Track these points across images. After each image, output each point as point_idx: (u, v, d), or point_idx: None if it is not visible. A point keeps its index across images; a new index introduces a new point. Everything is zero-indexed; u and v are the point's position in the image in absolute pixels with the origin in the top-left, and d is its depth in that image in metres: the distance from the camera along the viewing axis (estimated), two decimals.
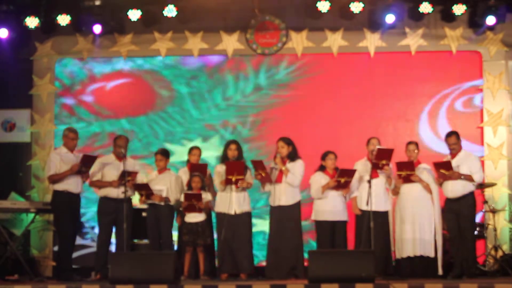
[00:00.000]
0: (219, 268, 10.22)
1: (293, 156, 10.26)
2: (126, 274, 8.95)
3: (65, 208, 10.30)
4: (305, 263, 9.61)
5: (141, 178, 10.48)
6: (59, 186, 10.31)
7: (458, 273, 9.95)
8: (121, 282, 8.87)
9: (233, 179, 10.05)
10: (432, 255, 10.03)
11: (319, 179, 10.32)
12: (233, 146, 10.37)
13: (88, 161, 10.34)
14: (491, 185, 11.10)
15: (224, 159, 10.37)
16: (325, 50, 12.06)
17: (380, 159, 10.00)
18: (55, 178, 10.27)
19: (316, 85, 12.12)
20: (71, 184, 10.30)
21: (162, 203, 10.27)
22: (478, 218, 10.91)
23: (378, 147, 10.17)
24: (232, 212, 10.15)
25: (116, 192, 10.29)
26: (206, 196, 10.19)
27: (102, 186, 10.42)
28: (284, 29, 12.14)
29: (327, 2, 11.54)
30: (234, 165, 10.12)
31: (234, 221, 10.12)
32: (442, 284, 9.00)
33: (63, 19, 11.75)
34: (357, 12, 11.63)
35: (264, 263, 10.61)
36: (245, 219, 10.25)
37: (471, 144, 11.56)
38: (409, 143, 10.38)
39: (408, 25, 11.97)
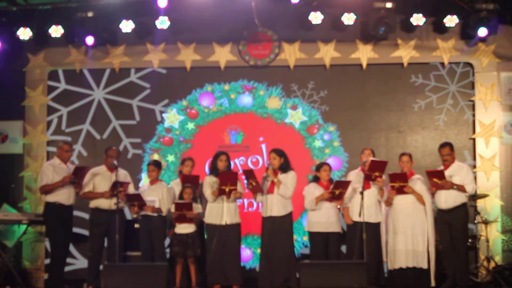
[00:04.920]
0: (208, 279, 10.19)
1: (285, 167, 10.26)
2: (118, 285, 8.94)
3: (56, 219, 10.30)
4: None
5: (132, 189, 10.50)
6: (51, 198, 10.31)
7: (450, 285, 9.96)
8: None
9: (227, 190, 10.05)
10: (425, 266, 10.01)
11: (313, 191, 10.31)
12: (223, 157, 10.39)
13: (80, 172, 10.34)
14: (484, 196, 11.10)
15: (213, 170, 10.37)
16: (318, 62, 12.08)
17: (373, 170, 9.98)
18: (47, 189, 10.27)
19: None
20: (63, 196, 10.30)
21: (155, 214, 10.25)
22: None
23: (371, 158, 10.16)
24: (223, 223, 10.14)
25: (107, 203, 10.28)
26: (197, 207, 10.19)
27: (94, 197, 10.40)
28: (277, 41, 12.17)
29: (320, 13, 11.56)
30: (228, 175, 10.12)
31: (225, 231, 10.12)
32: None
33: (56, 31, 11.74)
34: (350, 23, 11.65)
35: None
36: (236, 230, 10.26)
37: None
38: (402, 154, 10.39)
39: (400, 36, 11.99)
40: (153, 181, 10.48)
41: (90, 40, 11.80)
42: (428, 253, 10.04)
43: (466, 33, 11.79)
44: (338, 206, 10.30)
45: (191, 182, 10.40)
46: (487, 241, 10.99)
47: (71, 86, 12.37)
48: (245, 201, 11.86)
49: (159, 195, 10.31)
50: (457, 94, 11.99)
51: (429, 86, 12.02)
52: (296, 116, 12.11)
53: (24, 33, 11.68)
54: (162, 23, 11.65)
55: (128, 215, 11.08)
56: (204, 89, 12.27)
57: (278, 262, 10.08)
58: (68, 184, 10.31)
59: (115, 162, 10.34)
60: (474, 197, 10.75)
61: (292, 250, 10.26)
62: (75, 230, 11.10)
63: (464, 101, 11.96)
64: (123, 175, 10.57)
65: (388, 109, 12.07)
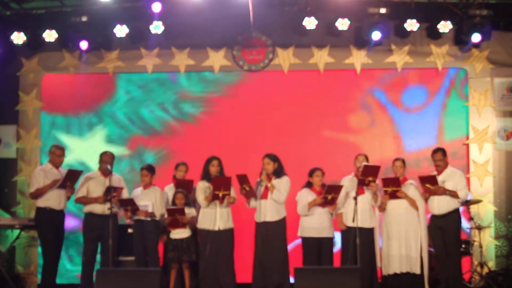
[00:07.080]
0: (202, 285, 10.15)
1: (279, 172, 10.25)
2: None
3: (47, 224, 10.28)
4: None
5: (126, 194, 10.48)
6: (41, 203, 10.30)
7: None
8: None
9: (220, 195, 10.02)
10: (418, 271, 10.01)
11: (306, 196, 10.30)
12: (215, 162, 10.34)
13: (73, 176, 10.32)
14: (477, 202, 11.11)
15: (206, 175, 10.34)
16: (312, 67, 12.09)
17: (366, 175, 9.98)
18: (37, 193, 10.27)
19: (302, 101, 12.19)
20: (53, 200, 10.29)
21: (148, 219, 10.23)
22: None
23: (364, 163, 10.16)
24: (216, 228, 10.12)
25: (101, 208, 10.27)
26: (191, 212, 10.17)
27: (88, 202, 10.39)
28: (271, 46, 12.18)
29: (314, 19, 11.58)
30: (221, 180, 10.09)
31: (218, 237, 10.09)
32: None
33: (50, 35, 11.74)
34: (344, 29, 11.68)
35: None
36: (229, 235, 10.23)
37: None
38: (396, 159, 10.39)
39: (394, 42, 12.02)
40: (146, 185, 10.46)
41: (84, 44, 11.80)
42: (421, 259, 10.05)
43: (459, 39, 11.82)
44: (331, 212, 10.29)
45: (184, 186, 10.38)
46: (481, 246, 11.00)
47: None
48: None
49: (152, 199, 10.28)
50: (454, 98, 12.00)
51: (425, 90, 12.04)
52: None
53: (18, 38, 11.70)
54: (156, 28, 11.66)
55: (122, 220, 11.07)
56: None
57: (271, 268, 10.06)
58: (59, 187, 10.30)
59: (109, 167, 10.33)
60: (468, 202, 10.77)
61: (286, 256, 10.23)
62: None
63: (461, 106, 11.98)
64: (117, 180, 10.56)
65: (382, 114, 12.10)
